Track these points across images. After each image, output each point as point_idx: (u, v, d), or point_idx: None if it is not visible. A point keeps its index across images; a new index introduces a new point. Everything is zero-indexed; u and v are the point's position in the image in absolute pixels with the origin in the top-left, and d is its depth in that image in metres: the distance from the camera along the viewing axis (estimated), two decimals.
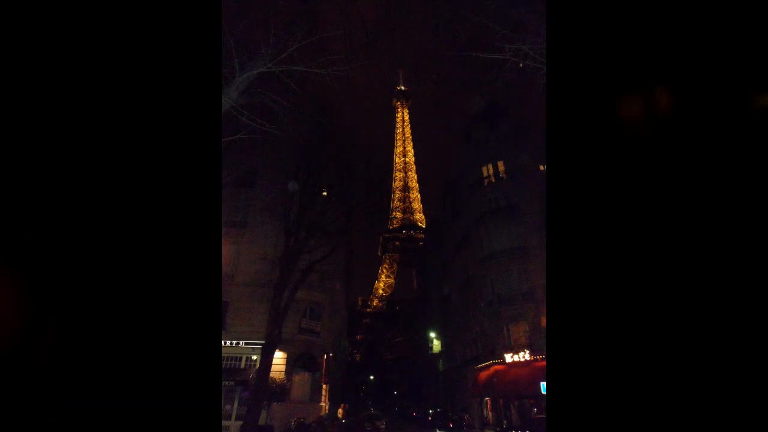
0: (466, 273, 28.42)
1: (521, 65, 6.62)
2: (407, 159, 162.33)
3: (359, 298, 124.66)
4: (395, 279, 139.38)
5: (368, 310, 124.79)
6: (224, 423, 15.82)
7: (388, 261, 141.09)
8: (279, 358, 17.61)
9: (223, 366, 17.24)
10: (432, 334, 38.74)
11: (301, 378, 19.59)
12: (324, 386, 22.36)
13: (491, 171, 27.65)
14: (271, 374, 15.08)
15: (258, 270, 18.71)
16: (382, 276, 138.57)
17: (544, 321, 20.84)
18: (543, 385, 18.30)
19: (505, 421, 21.87)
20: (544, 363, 19.30)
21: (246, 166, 17.91)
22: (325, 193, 17.33)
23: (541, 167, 25.46)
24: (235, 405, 16.78)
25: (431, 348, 38.89)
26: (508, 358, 21.78)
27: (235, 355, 17.87)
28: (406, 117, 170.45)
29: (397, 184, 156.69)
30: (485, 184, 27.49)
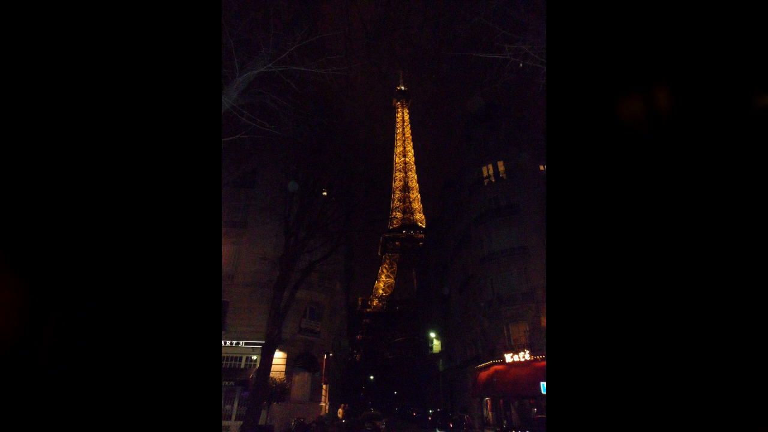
0: (466, 273, 28.42)
1: (521, 65, 6.62)
2: (407, 159, 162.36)
3: (359, 298, 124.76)
4: (395, 279, 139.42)
5: (368, 310, 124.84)
6: (224, 423, 15.83)
7: (388, 261, 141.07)
8: (279, 358, 17.61)
9: (223, 366, 17.24)
10: (432, 334, 38.74)
11: (301, 378, 19.60)
12: (324, 386, 22.35)
13: (491, 171, 27.66)
14: (271, 374, 15.08)
15: (258, 270, 18.72)
16: (382, 276, 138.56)
17: (544, 321, 20.85)
18: (543, 385, 18.32)
19: (505, 421, 21.88)
20: (544, 363, 19.31)
21: (246, 166, 17.91)
22: (325, 193, 17.33)
23: (541, 167, 25.48)
24: (235, 405, 16.79)
25: (431, 348, 38.90)
26: (508, 358, 21.79)
27: (235, 355, 17.87)
28: (406, 117, 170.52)
29: (397, 184, 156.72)
30: (485, 184, 27.50)
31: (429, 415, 30.43)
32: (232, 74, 6.46)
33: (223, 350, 17.35)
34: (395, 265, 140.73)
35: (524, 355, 21.18)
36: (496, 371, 21.98)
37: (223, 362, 17.38)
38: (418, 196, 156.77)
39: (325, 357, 21.62)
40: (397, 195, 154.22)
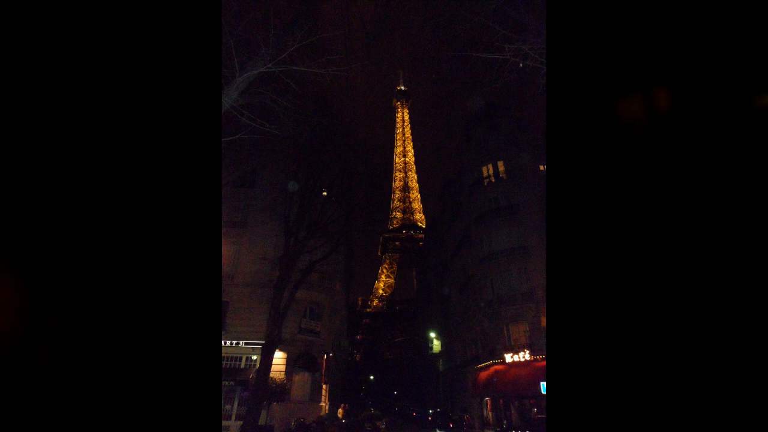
0: (466, 273, 28.41)
1: (521, 65, 6.62)
2: (407, 159, 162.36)
3: (359, 298, 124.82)
4: (395, 279, 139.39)
5: (368, 310, 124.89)
6: (224, 423, 15.83)
7: (388, 261, 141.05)
8: (279, 358, 17.62)
9: (223, 366, 17.24)
10: (432, 334, 38.74)
11: (301, 378, 19.60)
12: (324, 386, 22.36)
13: (491, 171, 27.66)
14: (271, 374, 15.08)
15: (258, 270, 18.72)
16: (382, 276, 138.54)
17: (544, 321, 20.85)
18: (543, 385, 18.32)
19: (505, 421, 21.88)
20: (544, 363, 19.31)
21: (246, 166, 17.91)
22: (325, 193, 17.33)
23: (541, 167, 25.48)
24: (235, 405, 16.79)
25: (431, 348, 38.90)
26: (508, 358, 21.79)
27: (235, 355, 17.87)
28: (406, 117, 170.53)
29: (397, 184, 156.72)
30: (485, 184, 27.50)
31: (429, 415, 30.43)
32: (232, 74, 6.46)
33: (223, 350, 17.35)
34: (395, 265, 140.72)
35: (524, 355, 21.18)
36: (496, 371, 21.98)
37: (223, 362, 17.38)
38: (418, 196, 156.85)
39: (325, 357, 21.62)
40: (397, 195, 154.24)
